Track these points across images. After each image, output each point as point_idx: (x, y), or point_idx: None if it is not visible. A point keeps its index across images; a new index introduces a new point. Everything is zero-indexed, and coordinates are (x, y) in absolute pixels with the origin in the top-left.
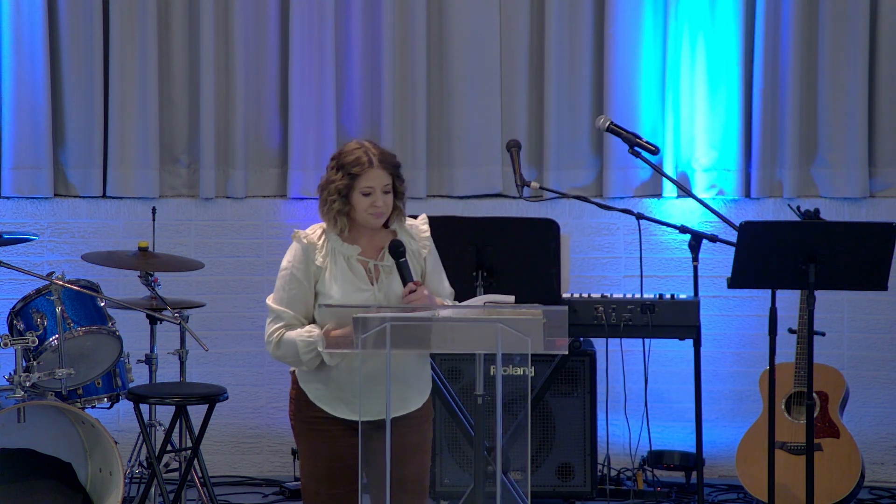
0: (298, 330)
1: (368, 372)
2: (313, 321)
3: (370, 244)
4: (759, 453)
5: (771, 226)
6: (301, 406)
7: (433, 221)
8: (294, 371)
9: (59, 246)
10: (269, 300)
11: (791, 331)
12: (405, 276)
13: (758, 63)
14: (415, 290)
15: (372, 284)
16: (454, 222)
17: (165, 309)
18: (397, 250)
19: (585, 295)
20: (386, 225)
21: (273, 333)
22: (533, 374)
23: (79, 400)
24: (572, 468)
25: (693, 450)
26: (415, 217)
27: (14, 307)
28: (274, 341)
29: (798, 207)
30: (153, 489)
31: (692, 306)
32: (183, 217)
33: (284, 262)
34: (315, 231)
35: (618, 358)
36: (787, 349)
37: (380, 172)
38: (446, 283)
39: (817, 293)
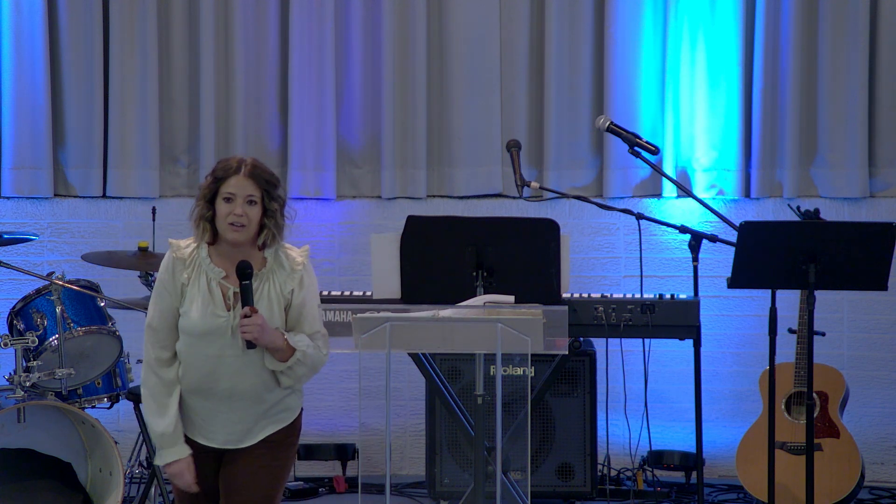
0: (165, 409)
1: (197, 391)
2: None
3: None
4: (759, 453)
5: (771, 226)
6: None
7: (433, 221)
8: None
9: (59, 246)
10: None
11: (791, 331)
12: (245, 299)
13: (758, 63)
14: (248, 316)
15: (228, 311)
16: (454, 222)
17: None
18: (244, 272)
19: (585, 295)
20: (263, 249)
21: (146, 368)
22: (533, 374)
23: (79, 400)
24: (572, 468)
25: (693, 450)
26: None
27: (14, 307)
28: (143, 379)
29: (798, 207)
30: (153, 489)
31: (692, 306)
32: (183, 217)
33: (158, 274)
34: (189, 245)
35: (618, 358)
36: (787, 349)
37: (245, 181)
38: (314, 323)
39: (817, 293)
